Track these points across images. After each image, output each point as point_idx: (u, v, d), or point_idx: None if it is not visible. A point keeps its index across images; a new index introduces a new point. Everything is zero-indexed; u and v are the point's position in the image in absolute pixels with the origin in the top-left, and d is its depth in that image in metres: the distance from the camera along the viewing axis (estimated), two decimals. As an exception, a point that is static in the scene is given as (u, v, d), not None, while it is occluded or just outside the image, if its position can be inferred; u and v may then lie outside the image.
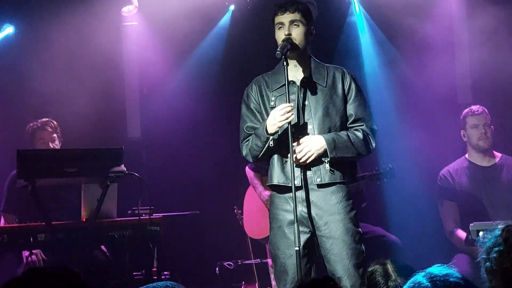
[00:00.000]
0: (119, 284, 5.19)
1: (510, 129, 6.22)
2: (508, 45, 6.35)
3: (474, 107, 5.81)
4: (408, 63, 6.73)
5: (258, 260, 6.24)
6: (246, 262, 6.33)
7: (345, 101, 4.24)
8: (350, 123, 4.24)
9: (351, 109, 4.24)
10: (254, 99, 4.27)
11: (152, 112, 6.84)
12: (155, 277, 5.08)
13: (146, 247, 5.01)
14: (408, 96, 6.71)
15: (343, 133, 4.16)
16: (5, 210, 5.56)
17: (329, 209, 4.11)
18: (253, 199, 6.16)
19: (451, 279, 1.99)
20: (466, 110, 5.84)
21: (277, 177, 4.15)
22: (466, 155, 5.87)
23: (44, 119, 5.68)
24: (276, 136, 4.10)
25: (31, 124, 5.68)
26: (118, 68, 6.76)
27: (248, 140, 4.23)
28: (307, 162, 4.06)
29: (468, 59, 6.69)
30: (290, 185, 4.06)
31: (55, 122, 5.70)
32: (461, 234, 5.59)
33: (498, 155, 5.82)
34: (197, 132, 6.85)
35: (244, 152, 4.26)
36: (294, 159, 4.04)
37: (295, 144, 4.07)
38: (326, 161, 4.10)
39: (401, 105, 6.70)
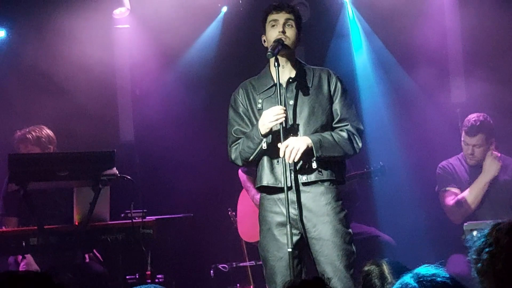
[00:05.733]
0: None
1: (504, 130, 6.18)
2: (501, 41, 6.34)
3: (475, 124, 5.59)
4: (400, 63, 6.72)
5: (253, 262, 6.22)
6: (241, 264, 6.33)
7: (331, 101, 4.25)
8: (335, 123, 4.25)
9: (336, 109, 4.25)
10: (242, 103, 4.29)
11: (145, 115, 6.82)
12: (149, 281, 5.05)
13: (139, 251, 4.98)
14: (400, 95, 6.71)
15: (327, 134, 4.17)
16: (5, 214, 5.54)
17: (318, 210, 4.11)
18: (247, 202, 6.15)
19: (438, 279, 1.98)
20: (466, 121, 5.65)
21: (266, 179, 4.15)
22: None
23: (27, 130, 5.59)
24: (269, 139, 4.10)
25: (17, 134, 5.62)
26: (110, 71, 6.73)
27: (237, 143, 4.24)
28: (295, 159, 4.05)
29: (462, 58, 6.68)
30: (279, 186, 4.07)
31: (39, 132, 5.58)
32: None
33: (497, 155, 5.78)
34: (191, 134, 6.83)
35: (233, 156, 4.26)
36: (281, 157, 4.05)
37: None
38: (313, 160, 4.09)
39: (393, 104, 6.71)
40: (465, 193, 5.65)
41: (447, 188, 5.75)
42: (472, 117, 5.66)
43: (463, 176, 5.76)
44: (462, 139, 5.69)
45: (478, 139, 5.61)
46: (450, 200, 5.72)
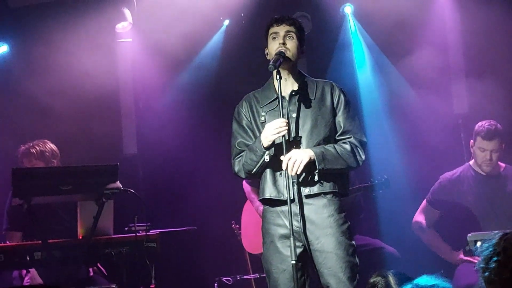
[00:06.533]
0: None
1: (508, 139, 6.18)
2: (503, 48, 6.35)
3: (491, 128, 5.59)
4: (402, 74, 6.73)
5: (257, 275, 6.22)
6: (245, 277, 6.32)
7: (334, 113, 4.26)
8: (338, 135, 4.25)
9: (340, 121, 4.26)
10: (245, 116, 4.30)
11: (148, 128, 6.84)
12: (152, 293, 5.05)
13: (143, 264, 4.98)
14: (402, 106, 6.71)
15: (330, 146, 4.17)
16: (10, 228, 5.55)
17: (321, 223, 4.11)
18: (251, 213, 6.15)
19: (438, 289, 1.98)
20: (480, 127, 5.65)
21: (269, 191, 4.15)
22: (471, 163, 5.80)
23: (31, 144, 5.61)
24: (272, 152, 4.11)
25: (21, 148, 5.63)
26: (113, 85, 6.76)
27: (241, 156, 4.24)
28: (297, 172, 4.05)
29: (464, 69, 6.69)
30: (282, 198, 4.08)
31: (43, 146, 5.60)
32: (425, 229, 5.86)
33: (502, 165, 5.77)
34: (194, 147, 6.85)
35: (236, 168, 4.27)
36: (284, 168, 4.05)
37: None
38: (315, 172, 4.10)
39: (395, 116, 6.70)
40: (427, 231, 5.89)
41: (428, 205, 5.87)
42: (485, 123, 5.66)
43: (468, 185, 5.75)
44: (477, 146, 5.65)
45: (495, 143, 5.61)
46: (419, 214, 5.94)
